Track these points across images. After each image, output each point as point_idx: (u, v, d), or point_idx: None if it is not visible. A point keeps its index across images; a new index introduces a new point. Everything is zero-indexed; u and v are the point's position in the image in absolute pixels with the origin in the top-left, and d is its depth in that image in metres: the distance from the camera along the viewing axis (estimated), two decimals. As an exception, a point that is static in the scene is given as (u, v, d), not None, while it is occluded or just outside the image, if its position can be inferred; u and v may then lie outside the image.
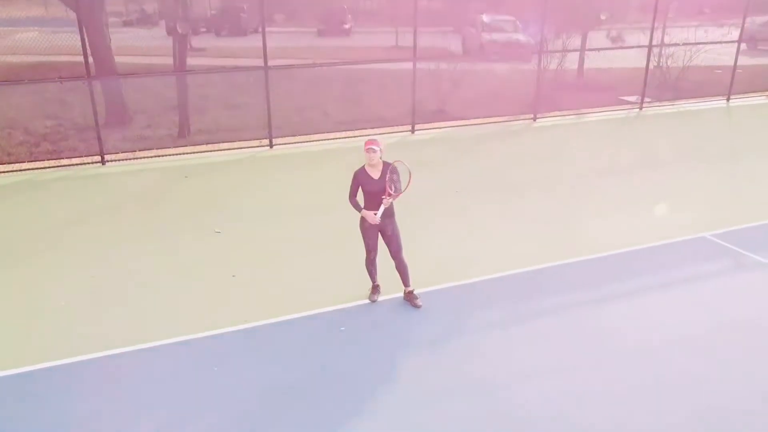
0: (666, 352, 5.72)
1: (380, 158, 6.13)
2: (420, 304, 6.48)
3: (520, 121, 14.61)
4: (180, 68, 13.26)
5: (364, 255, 6.46)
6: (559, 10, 15.59)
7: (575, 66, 17.42)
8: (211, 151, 12.23)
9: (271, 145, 12.70)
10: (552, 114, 15.09)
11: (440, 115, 14.80)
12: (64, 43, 12.10)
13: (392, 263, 6.41)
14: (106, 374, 5.45)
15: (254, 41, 12.94)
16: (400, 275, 6.48)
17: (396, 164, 6.22)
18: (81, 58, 11.03)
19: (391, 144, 12.60)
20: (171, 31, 15.18)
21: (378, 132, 12.99)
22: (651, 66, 15.96)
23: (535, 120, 14.73)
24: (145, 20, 25.05)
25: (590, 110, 15.48)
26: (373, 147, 6.07)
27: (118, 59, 13.46)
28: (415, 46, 13.02)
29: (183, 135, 13.14)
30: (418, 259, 6.95)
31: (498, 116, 14.59)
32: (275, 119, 12.56)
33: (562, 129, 14.10)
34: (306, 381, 5.33)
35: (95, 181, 10.65)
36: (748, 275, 7.22)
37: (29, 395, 5.16)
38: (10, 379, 5.38)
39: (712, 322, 6.24)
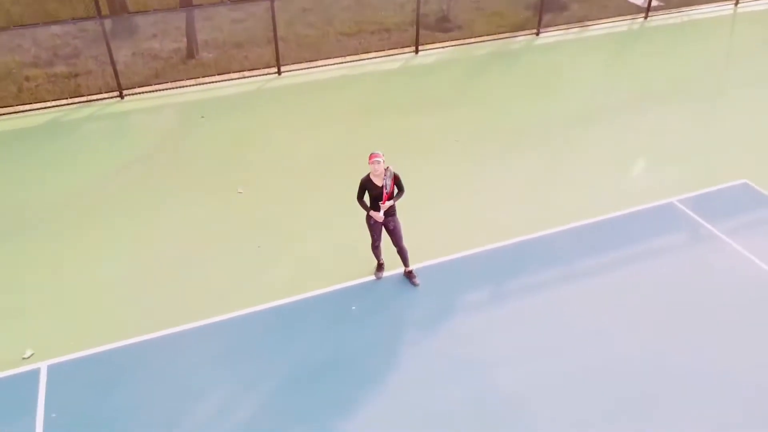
0: (610, 336, 7.07)
1: (383, 167, 7.01)
2: (418, 282, 7.72)
3: (522, 38, 14.78)
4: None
5: (370, 241, 7.61)
6: None
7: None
8: (221, 81, 12.77)
9: (279, 72, 13.18)
10: (556, 28, 15.16)
11: (444, 24, 14.96)
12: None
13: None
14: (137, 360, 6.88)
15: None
16: (401, 258, 7.66)
17: (394, 172, 7.12)
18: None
19: (393, 71, 13.08)
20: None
21: (380, 56, 13.46)
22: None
23: (538, 34, 14.88)
24: None
25: (594, 22, 15.50)
26: (378, 159, 6.94)
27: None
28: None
29: (191, 56, 13.56)
30: (415, 233, 8.09)
31: (500, 33, 14.76)
32: (280, 29, 12.94)
33: (564, 48, 14.33)
34: (329, 357, 6.75)
35: (117, 122, 11.41)
36: (702, 250, 8.37)
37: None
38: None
39: (664, 302, 7.51)
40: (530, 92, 12.38)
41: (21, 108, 11.67)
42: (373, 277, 7.83)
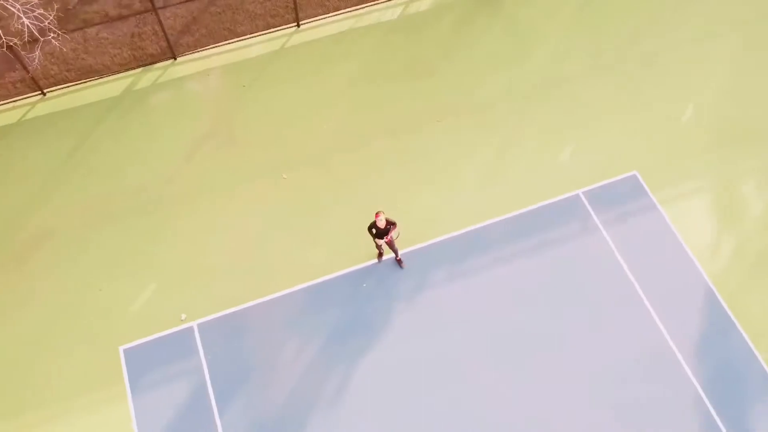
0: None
1: (383, 221, 11.41)
2: (404, 266, 12.64)
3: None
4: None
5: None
6: None
7: None
8: (242, 39, 15.49)
9: (298, 25, 15.83)
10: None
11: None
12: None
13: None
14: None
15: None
16: (394, 254, 12.47)
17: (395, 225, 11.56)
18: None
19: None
20: None
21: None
22: None
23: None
24: None
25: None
26: (380, 218, 11.30)
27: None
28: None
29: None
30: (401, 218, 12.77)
31: None
32: None
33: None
34: (353, 318, 12.08)
35: (176, 93, 14.81)
36: (582, 242, 13.04)
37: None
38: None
39: (541, 283, 12.53)
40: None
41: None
42: (375, 261, 12.73)
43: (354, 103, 14.67)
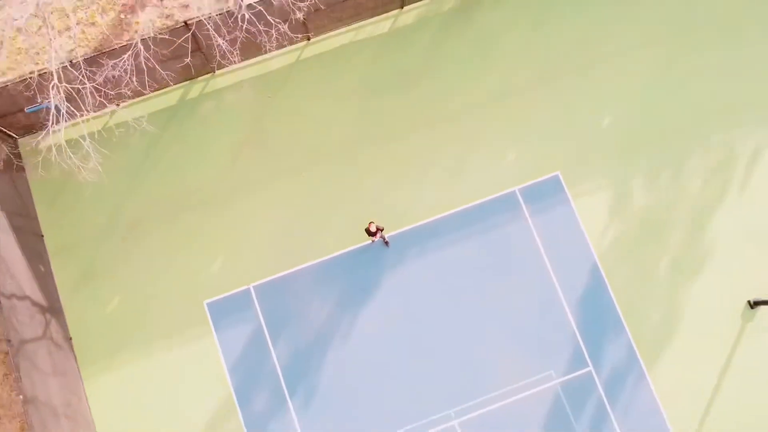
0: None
1: (374, 227, 17.07)
2: (389, 245, 18.51)
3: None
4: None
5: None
6: None
7: None
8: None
9: (308, 38, 19.83)
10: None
11: None
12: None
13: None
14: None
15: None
16: (384, 241, 18.31)
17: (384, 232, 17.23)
18: None
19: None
20: None
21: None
22: None
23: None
24: None
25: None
26: (372, 226, 16.95)
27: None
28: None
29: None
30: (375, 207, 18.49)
31: None
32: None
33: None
34: (361, 281, 18.28)
35: (216, 103, 19.40)
36: (512, 238, 18.73)
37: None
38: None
39: (478, 268, 18.48)
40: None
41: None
42: (369, 242, 18.57)
43: (355, 114, 19.38)
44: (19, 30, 18.82)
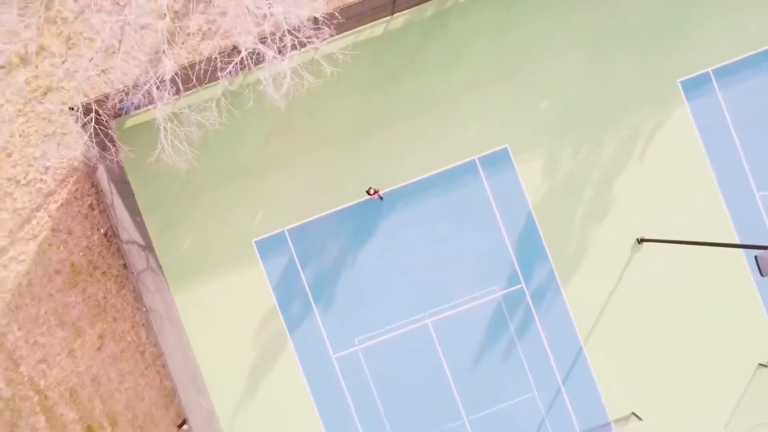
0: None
1: (373, 189, 24.27)
2: (383, 200, 25.76)
3: None
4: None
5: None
6: None
7: None
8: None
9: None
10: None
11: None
12: None
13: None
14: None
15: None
16: (379, 197, 25.56)
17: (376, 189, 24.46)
18: None
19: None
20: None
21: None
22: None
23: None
24: None
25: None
26: (370, 189, 24.17)
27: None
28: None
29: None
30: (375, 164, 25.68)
31: None
32: None
33: (474, 7, 26.02)
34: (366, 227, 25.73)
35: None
36: (475, 188, 25.83)
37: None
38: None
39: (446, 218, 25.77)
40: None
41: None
42: (368, 198, 25.81)
43: (357, 100, 25.95)
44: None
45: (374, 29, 26.00)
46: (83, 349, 25.78)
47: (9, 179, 25.33)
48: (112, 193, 23.50)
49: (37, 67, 24.93)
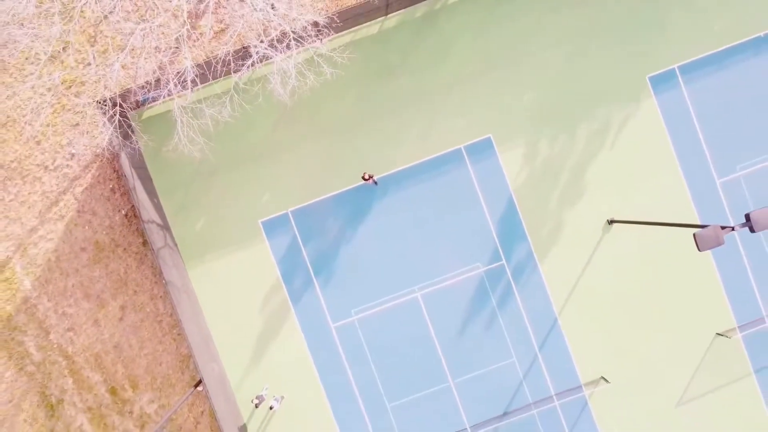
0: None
1: (368, 174, 26.90)
2: (377, 185, 28.38)
3: None
4: None
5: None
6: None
7: None
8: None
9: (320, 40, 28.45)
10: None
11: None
12: None
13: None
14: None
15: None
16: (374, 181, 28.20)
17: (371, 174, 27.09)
18: None
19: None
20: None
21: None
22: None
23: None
24: None
25: (486, -25, 28.42)
26: (366, 174, 26.81)
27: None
28: None
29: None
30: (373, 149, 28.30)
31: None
32: None
33: (461, 8, 28.44)
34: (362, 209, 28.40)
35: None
36: (460, 174, 28.44)
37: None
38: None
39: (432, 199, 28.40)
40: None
41: (220, 76, 28.35)
42: (363, 182, 28.42)
43: (354, 94, 28.48)
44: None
45: (370, 29, 28.44)
46: (106, 319, 28.56)
47: (38, 165, 27.96)
48: (133, 177, 26.13)
49: (63, 62, 27.46)
